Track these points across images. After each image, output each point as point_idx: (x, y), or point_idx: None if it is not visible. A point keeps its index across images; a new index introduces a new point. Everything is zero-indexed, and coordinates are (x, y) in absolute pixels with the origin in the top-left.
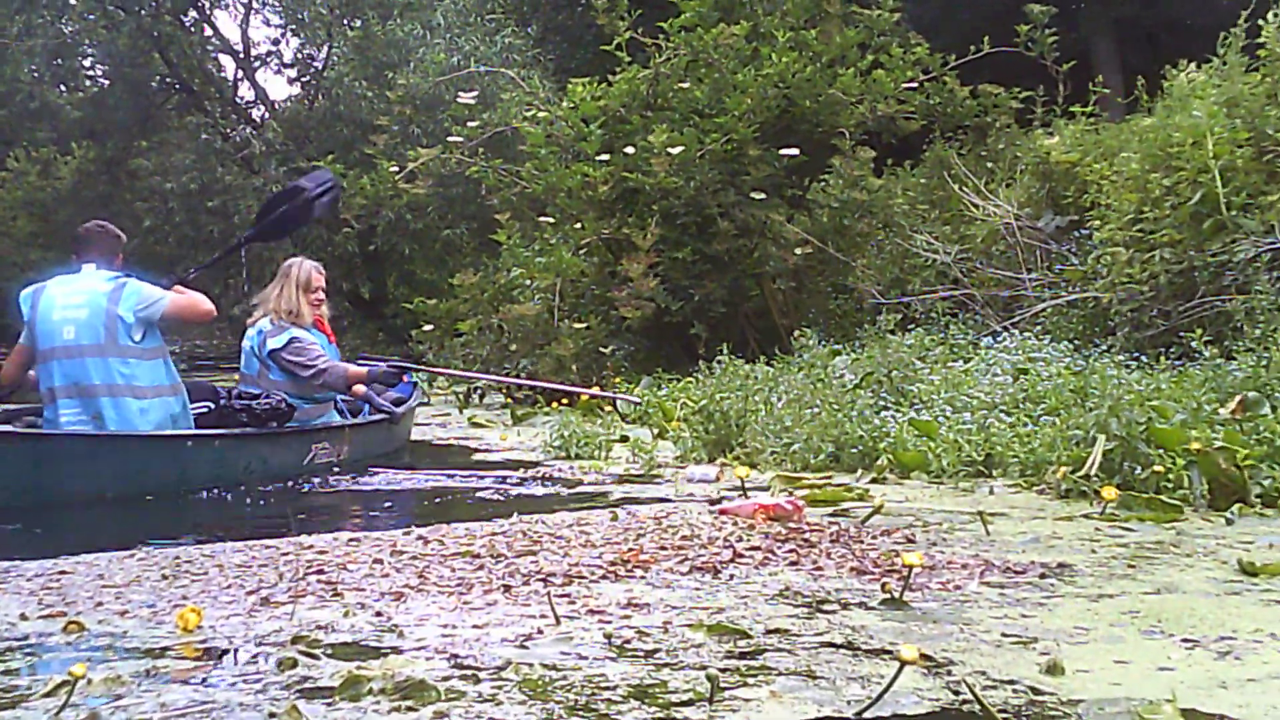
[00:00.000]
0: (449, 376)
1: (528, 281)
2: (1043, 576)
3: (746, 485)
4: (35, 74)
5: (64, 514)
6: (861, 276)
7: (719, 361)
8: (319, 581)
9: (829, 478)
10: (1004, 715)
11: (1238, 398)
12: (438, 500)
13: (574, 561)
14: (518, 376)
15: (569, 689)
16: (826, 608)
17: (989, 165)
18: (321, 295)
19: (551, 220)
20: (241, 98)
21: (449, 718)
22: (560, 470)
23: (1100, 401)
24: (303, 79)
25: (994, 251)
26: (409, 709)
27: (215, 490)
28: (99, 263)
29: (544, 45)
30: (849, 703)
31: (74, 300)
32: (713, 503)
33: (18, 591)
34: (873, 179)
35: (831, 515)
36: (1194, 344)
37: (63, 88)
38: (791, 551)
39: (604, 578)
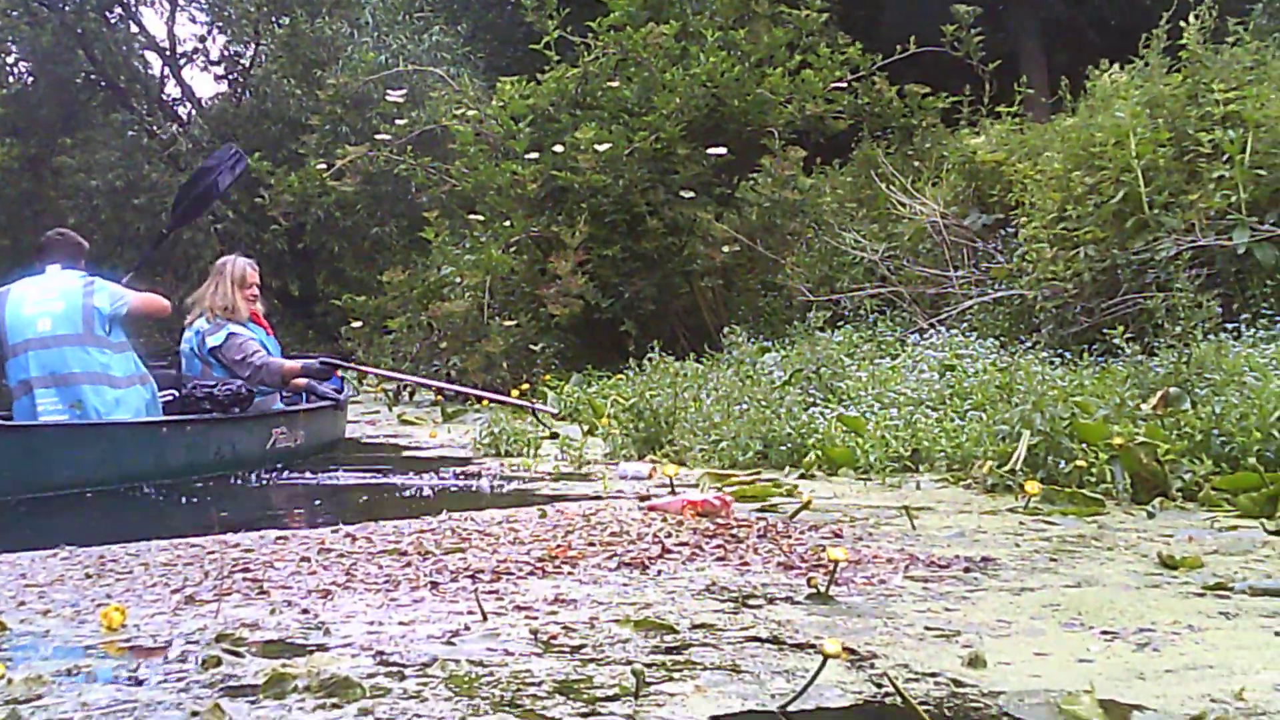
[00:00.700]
0: (378, 376)
1: (457, 279)
2: (966, 570)
3: (675, 483)
4: None
5: None
6: (790, 274)
7: (649, 359)
8: (245, 580)
9: (758, 474)
10: (926, 708)
11: (1159, 393)
12: (366, 498)
13: (502, 558)
14: (448, 374)
15: (495, 685)
16: (752, 602)
17: (916, 164)
18: (256, 290)
19: (481, 218)
20: (168, 95)
21: (374, 715)
22: (490, 468)
23: (1025, 397)
24: (230, 76)
25: (921, 249)
26: (334, 706)
27: (192, 478)
28: (64, 264)
29: (474, 43)
30: (773, 696)
31: (48, 295)
32: (642, 499)
33: None
34: (804, 178)
35: (760, 511)
36: (1117, 340)
37: None
38: (719, 547)
39: (532, 574)
